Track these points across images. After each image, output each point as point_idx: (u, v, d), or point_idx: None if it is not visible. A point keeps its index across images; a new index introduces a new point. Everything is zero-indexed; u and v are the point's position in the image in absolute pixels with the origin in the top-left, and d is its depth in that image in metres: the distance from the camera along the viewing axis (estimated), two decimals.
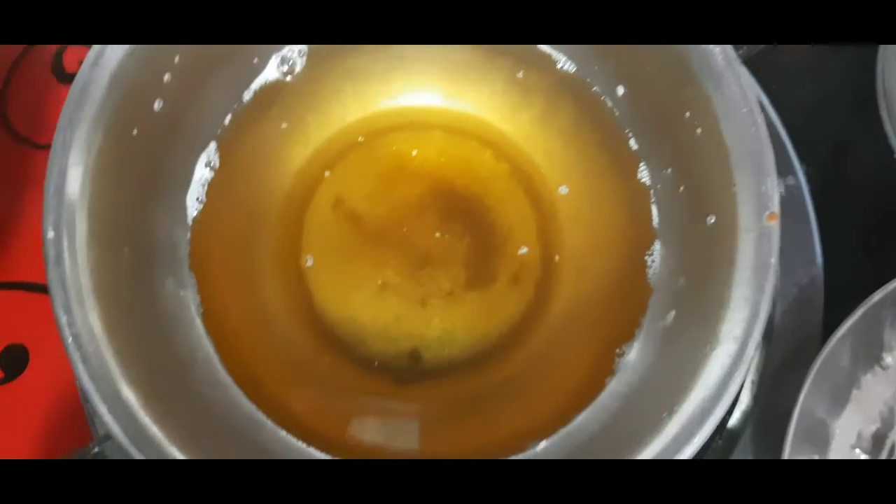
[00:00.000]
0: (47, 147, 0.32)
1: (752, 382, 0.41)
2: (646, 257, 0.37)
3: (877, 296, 0.37)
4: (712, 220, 0.33)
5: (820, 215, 0.43)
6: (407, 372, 0.39)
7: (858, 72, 0.44)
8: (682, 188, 0.36)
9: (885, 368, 0.40)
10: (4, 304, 0.47)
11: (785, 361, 0.41)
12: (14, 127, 0.49)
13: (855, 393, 0.40)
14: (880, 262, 0.45)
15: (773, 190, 0.31)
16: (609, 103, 0.38)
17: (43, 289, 0.47)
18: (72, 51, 0.49)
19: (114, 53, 0.33)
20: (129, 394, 0.30)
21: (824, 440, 0.39)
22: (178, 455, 0.30)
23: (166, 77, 0.35)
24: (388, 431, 0.38)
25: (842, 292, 0.43)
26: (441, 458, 0.35)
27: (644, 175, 0.37)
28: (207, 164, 0.39)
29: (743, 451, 0.40)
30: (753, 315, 0.30)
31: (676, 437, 0.30)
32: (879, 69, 0.42)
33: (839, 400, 0.39)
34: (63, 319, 0.30)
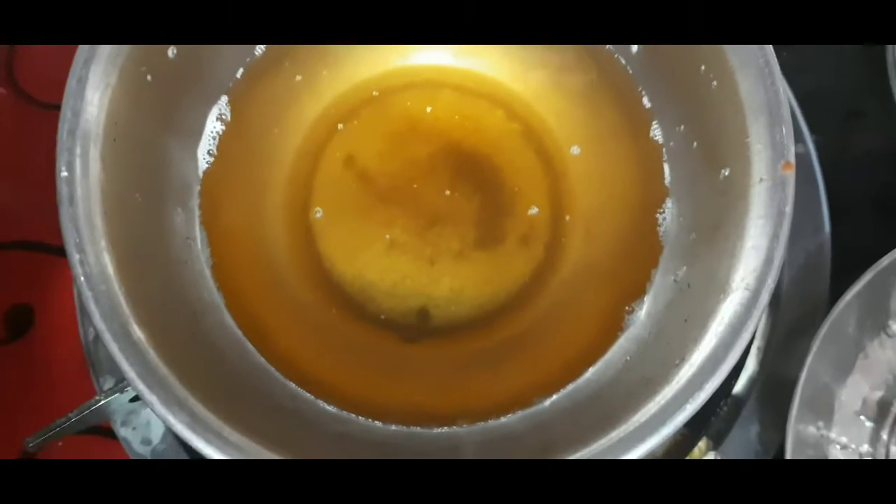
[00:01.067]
0: (55, 107, 0.32)
1: (758, 349, 0.41)
2: (657, 215, 0.37)
3: (884, 262, 0.37)
4: (726, 173, 0.33)
5: (828, 184, 0.43)
6: (415, 330, 0.39)
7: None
8: (695, 144, 0.36)
9: (890, 336, 0.40)
10: (8, 265, 0.47)
11: (791, 328, 0.41)
12: (21, 86, 0.49)
13: (860, 360, 0.40)
14: (887, 231, 0.45)
15: (789, 139, 0.31)
16: (622, 61, 0.38)
17: (48, 248, 0.47)
18: None
19: None
20: (139, 334, 0.30)
21: (829, 407, 0.39)
22: (188, 397, 0.30)
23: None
24: (394, 387, 0.38)
25: (849, 260, 0.43)
26: (447, 414, 0.35)
27: (657, 133, 0.37)
28: (219, 118, 0.39)
29: (748, 418, 0.40)
30: (767, 263, 0.30)
31: (687, 385, 0.30)
32: None
33: (845, 367, 0.39)
34: (75, 258, 0.30)
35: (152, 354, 0.30)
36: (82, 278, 0.30)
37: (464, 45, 0.40)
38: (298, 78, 0.40)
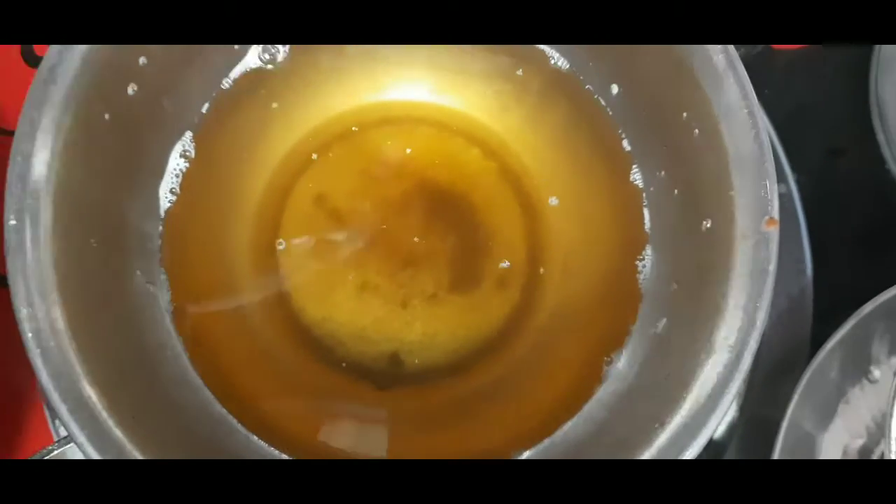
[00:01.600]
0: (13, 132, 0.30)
1: (738, 394, 0.40)
2: (637, 262, 0.36)
3: (867, 308, 0.36)
4: (708, 225, 0.32)
5: (811, 224, 0.42)
6: (386, 376, 0.37)
7: (850, 80, 0.43)
8: (676, 191, 0.35)
9: (872, 382, 0.39)
10: None
11: (772, 373, 0.41)
12: None
13: (842, 406, 0.39)
14: (868, 270, 0.45)
15: (773, 195, 0.30)
16: (602, 102, 0.37)
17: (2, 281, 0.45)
18: None
19: None
20: (90, 393, 0.29)
21: (811, 455, 0.38)
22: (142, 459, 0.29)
23: (142, 60, 0.33)
24: (364, 438, 0.36)
25: (830, 303, 0.42)
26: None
27: (637, 177, 0.36)
28: (183, 155, 0.37)
29: None
30: (749, 324, 0.29)
31: (666, 449, 0.29)
32: (872, 77, 0.42)
33: (826, 413, 0.39)
34: (23, 313, 0.29)
35: (104, 416, 0.29)
36: (30, 334, 0.28)
37: (441, 82, 0.39)
38: (265, 116, 0.38)
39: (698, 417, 0.29)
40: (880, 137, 0.41)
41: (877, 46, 0.42)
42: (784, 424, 0.35)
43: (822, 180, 0.46)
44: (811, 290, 0.41)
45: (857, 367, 0.39)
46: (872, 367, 0.39)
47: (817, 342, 0.36)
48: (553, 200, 0.39)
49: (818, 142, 0.46)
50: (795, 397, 0.35)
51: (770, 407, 0.39)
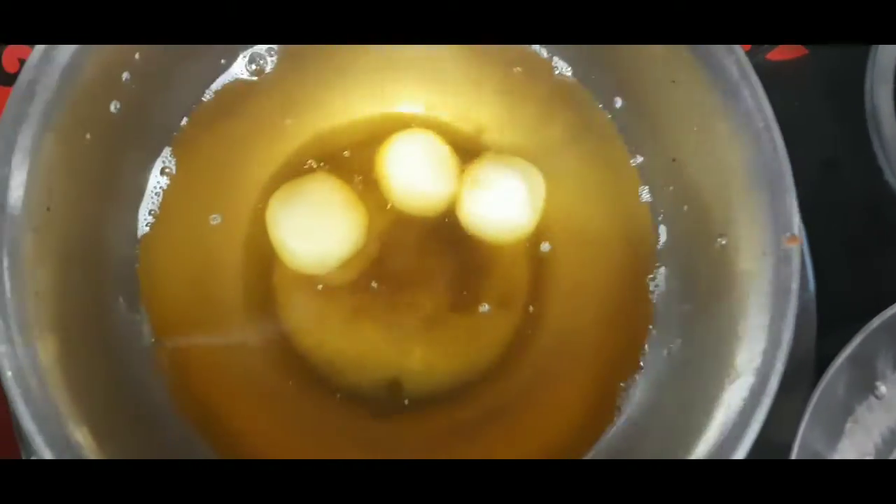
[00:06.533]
0: None
1: None
2: (648, 281, 0.34)
3: (874, 323, 0.35)
4: (723, 242, 0.31)
5: (809, 237, 0.42)
6: (385, 405, 0.36)
7: (846, 91, 0.43)
8: (685, 207, 0.33)
9: (879, 398, 0.39)
10: None
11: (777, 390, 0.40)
12: None
13: (849, 425, 0.38)
14: (865, 283, 0.44)
15: (793, 210, 0.29)
16: (608, 115, 0.36)
17: None
18: (11, 49, 0.44)
19: (66, 47, 0.29)
20: (79, 438, 0.26)
21: None
22: None
23: (125, 75, 0.31)
24: None
25: (832, 317, 0.41)
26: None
27: (645, 194, 0.35)
28: (163, 172, 0.35)
29: None
30: (774, 345, 0.28)
31: None
32: (867, 87, 0.41)
33: (834, 433, 0.38)
34: (1, 350, 0.26)
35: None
36: (10, 373, 0.26)
37: (436, 96, 0.37)
38: (251, 132, 0.36)
39: (725, 447, 0.28)
40: (876, 148, 0.40)
41: (872, 56, 0.41)
42: (795, 447, 0.34)
43: (818, 192, 0.45)
44: (814, 306, 0.40)
45: (863, 384, 0.38)
46: (879, 383, 0.38)
47: (820, 356, 0.35)
48: (556, 210, 0.37)
49: (813, 153, 0.46)
50: (806, 417, 0.34)
51: (777, 425, 0.38)
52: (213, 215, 0.36)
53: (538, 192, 0.36)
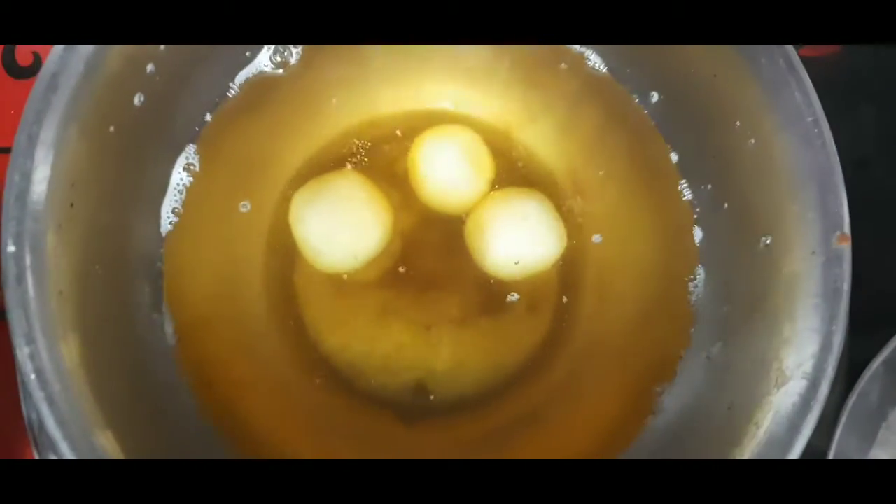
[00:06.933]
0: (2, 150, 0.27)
1: None
2: (688, 282, 0.33)
3: None
4: (767, 242, 0.30)
5: None
6: (411, 409, 0.35)
7: (878, 89, 0.42)
8: (726, 205, 0.32)
9: None
10: None
11: None
12: None
13: (882, 431, 0.37)
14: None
15: (843, 208, 0.28)
16: (644, 110, 0.35)
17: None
18: None
19: None
20: (103, 442, 0.25)
21: None
22: None
23: (149, 67, 0.30)
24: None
25: (864, 319, 0.40)
26: None
27: (685, 191, 0.34)
28: (187, 169, 0.34)
29: None
30: (825, 349, 0.27)
31: None
32: None
33: (868, 438, 0.37)
34: (25, 352, 0.25)
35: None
36: (33, 376, 0.25)
37: (465, 91, 0.36)
38: (277, 127, 0.35)
39: (773, 453, 0.27)
40: None
41: None
42: (831, 453, 0.33)
43: (849, 192, 0.44)
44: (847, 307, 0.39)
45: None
46: None
47: (853, 361, 0.33)
48: (589, 210, 0.36)
49: (844, 153, 0.45)
50: (842, 422, 0.33)
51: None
52: (240, 206, 0.35)
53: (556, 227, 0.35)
